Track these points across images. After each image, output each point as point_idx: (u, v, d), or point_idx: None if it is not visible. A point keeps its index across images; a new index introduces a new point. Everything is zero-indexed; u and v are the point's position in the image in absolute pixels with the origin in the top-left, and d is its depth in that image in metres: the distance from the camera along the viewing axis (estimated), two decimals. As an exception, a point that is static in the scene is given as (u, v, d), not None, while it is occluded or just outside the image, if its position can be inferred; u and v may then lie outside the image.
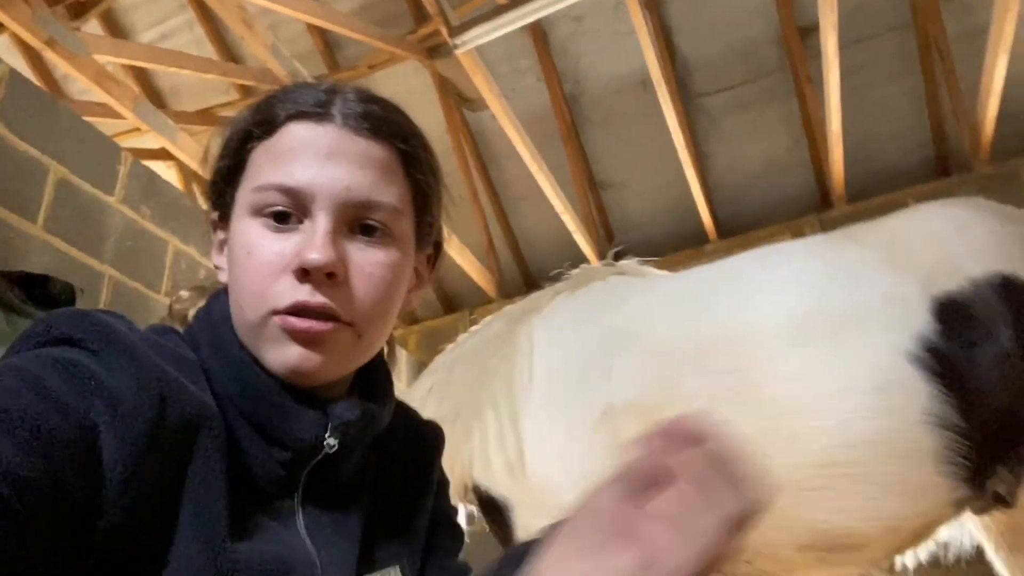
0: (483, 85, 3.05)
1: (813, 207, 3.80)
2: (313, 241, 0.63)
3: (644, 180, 3.99)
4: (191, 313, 0.74)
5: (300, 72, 2.89)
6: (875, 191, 3.66)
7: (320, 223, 0.64)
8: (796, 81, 3.61)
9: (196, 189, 4.15)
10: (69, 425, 0.50)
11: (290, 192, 0.64)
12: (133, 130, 3.55)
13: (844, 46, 3.32)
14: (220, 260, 0.72)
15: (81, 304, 1.96)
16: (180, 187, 4.03)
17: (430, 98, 3.86)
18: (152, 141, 3.46)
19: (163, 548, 0.54)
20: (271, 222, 0.65)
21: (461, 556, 0.81)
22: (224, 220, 0.71)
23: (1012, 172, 3.43)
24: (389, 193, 0.68)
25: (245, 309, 0.65)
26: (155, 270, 2.50)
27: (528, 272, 4.34)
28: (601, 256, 4.02)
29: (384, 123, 0.69)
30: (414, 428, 0.82)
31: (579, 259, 4.05)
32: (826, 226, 3.67)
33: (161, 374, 0.58)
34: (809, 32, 3.44)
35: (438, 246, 0.79)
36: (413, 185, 0.72)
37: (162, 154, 3.63)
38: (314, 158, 0.65)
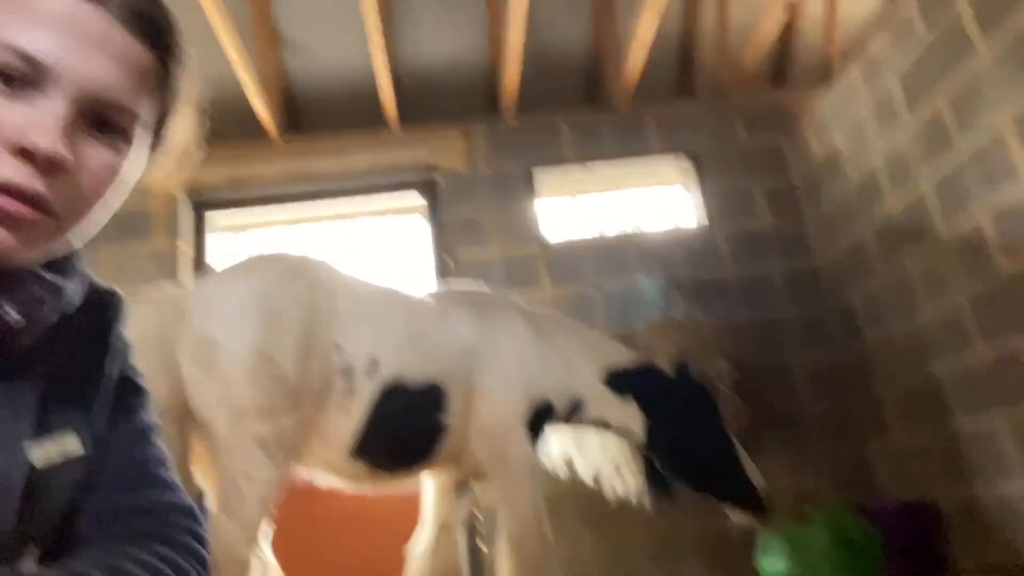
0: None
1: (485, 113, 4.08)
2: (45, 124, 0.58)
3: (332, 52, 3.85)
4: None
5: None
6: (538, 108, 4.06)
7: (58, 108, 0.59)
8: (489, -11, 3.77)
9: None
10: None
11: (33, 63, 0.58)
12: None
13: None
14: None
15: None
16: None
17: None
18: None
19: None
20: None
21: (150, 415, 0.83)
22: None
23: (639, 113, 4.08)
24: (139, 101, 0.65)
25: None
26: None
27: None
28: (279, 123, 3.84)
29: (156, 28, 0.66)
30: (93, 295, 0.79)
31: (252, 126, 3.82)
32: (495, 135, 3.99)
33: None
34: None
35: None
36: (164, 95, 0.70)
37: None
38: (72, 36, 0.59)
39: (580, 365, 2.65)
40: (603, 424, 2.67)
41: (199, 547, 0.73)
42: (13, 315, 0.63)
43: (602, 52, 4.04)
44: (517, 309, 2.71)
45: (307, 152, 3.92)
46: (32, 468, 0.66)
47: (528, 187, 3.94)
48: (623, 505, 3.35)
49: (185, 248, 3.77)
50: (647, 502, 2.72)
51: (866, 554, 2.55)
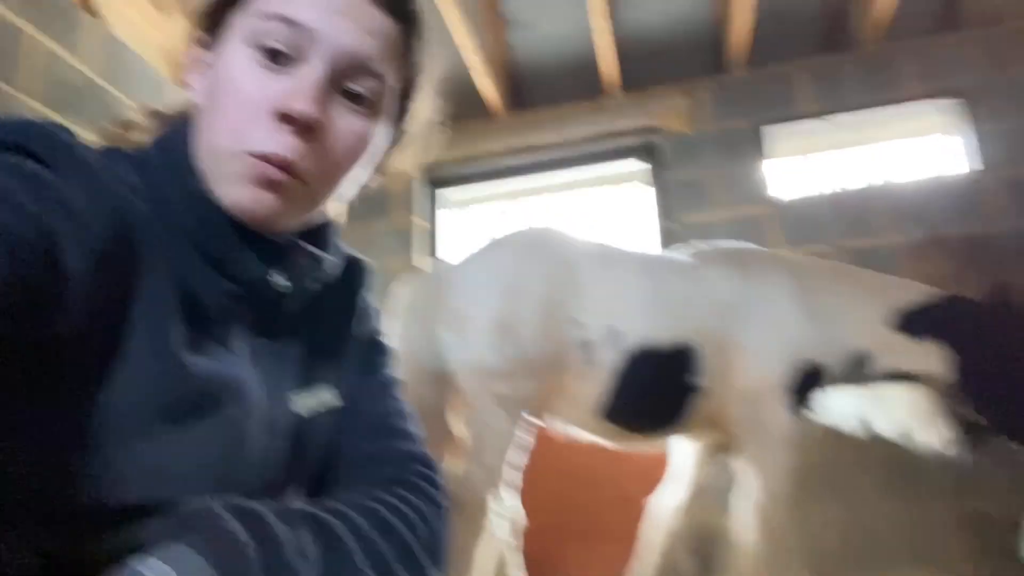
0: None
1: (710, 71, 3.88)
2: (303, 89, 0.64)
3: (553, 25, 3.87)
4: (136, 135, 0.73)
5: None
6: (769, 60, 3.77)
7: (316, 70, 0.65)
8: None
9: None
10: (30, 227, 0.49)
11: (295, 26, 0.65)
12: None
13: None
14: (194, 80, 0.72)
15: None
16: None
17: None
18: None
19: (116, 358, 0.57)
20: (264, 59, 0.65)
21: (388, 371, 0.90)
22: (210, 41, 0.71)
23: (891, 54, 3.62)
24: (388, 67, 0.70)
25: (218, 137, 0.65)
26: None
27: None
28: (504, 100, 3.97)
29: (401, 1, 0.72)
30: (345, 261, 0.86)
31: (478, 104, 3.98)
32: (720, 92, 3.78)
33: (114, 188, 0.59)
34: None
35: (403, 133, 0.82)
36: (407, 68, 0.75)
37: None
38: (327, 6, 0.66)
39: (861, 314, 2.42)
40: (899, 375, 2.43)
41: (435, 492, 0.76)
42: (283, 282, 0.71)
43: (842, -12, 3.64)
44: (783, 263, 2.56)
45: (529, 125, 4.01)
46: (298, 417, 0.75)
47: (756, 146, 3.68)
48: (873, 478, 3.06)
49: (420, 223, 4.06)
50: (961, 454, 2.44)
51: None
